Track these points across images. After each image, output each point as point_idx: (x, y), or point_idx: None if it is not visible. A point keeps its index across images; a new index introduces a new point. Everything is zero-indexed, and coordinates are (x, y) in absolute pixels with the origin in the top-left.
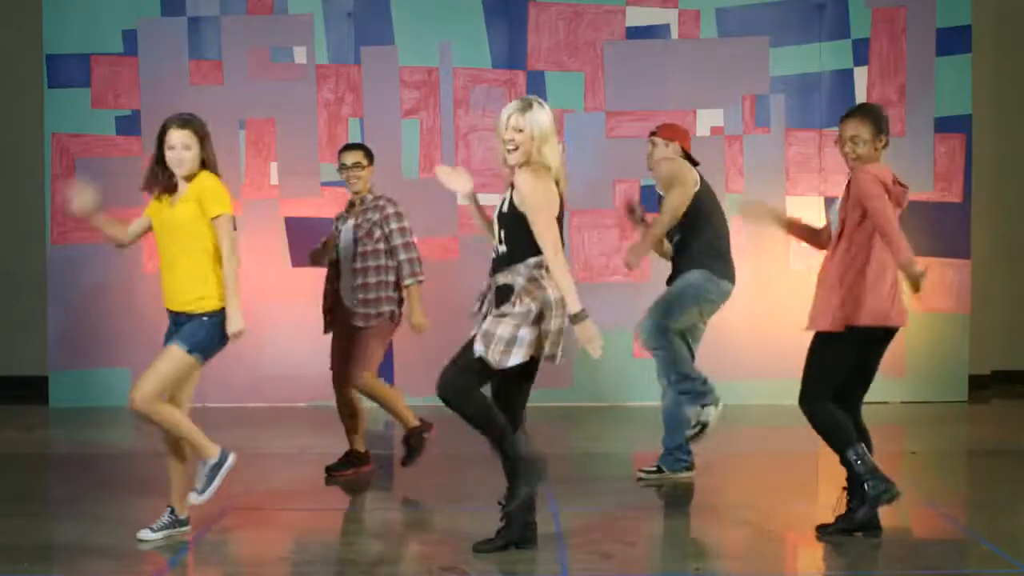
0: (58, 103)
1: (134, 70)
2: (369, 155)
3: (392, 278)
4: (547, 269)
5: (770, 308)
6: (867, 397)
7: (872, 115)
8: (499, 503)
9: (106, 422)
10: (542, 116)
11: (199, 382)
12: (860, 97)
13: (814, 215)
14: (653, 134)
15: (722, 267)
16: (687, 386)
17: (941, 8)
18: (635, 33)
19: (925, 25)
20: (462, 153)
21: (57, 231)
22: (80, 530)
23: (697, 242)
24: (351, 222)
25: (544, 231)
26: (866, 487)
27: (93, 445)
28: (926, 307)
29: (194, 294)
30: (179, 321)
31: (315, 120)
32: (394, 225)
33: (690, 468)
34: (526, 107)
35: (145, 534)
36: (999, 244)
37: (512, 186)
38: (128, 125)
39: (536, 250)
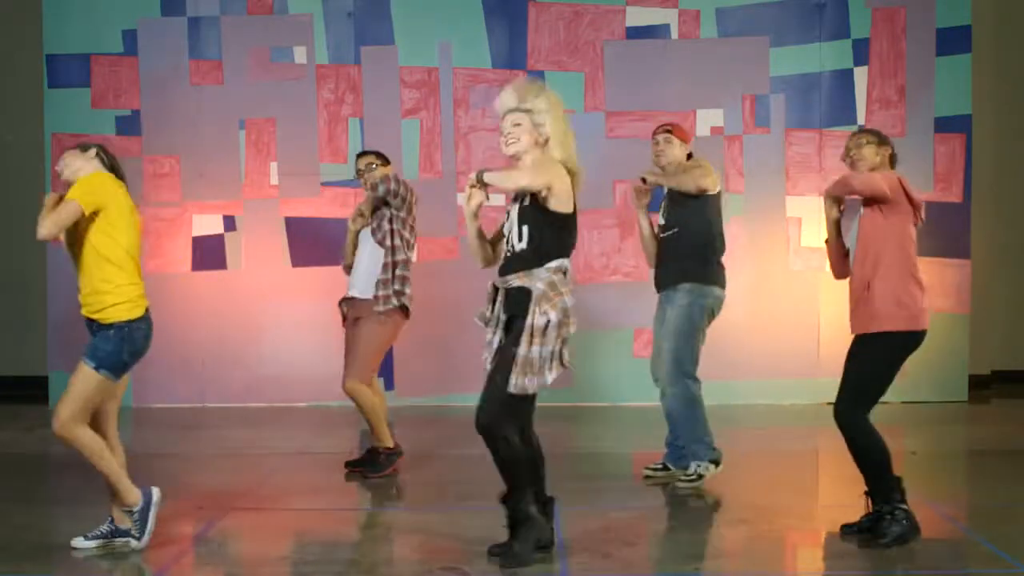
0: (58, 103)
1: (134, 70)
2: (381, 156)
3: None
4: (565, 273)
5: (770, 308)
6: None
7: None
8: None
9: None
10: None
11: (198, 382)
12: (860, 97)
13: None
14: (668, 131)
15: (713, 275)
16: (700, 449)
17: (941, 8)
18: (635, 33)
19: (925, 25)
20: (462, 153)
21: None
22: (80, 530)
23: (693, 248)
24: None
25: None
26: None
27: None
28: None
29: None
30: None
31: (315, 120)
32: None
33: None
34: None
35: (78, 542)
36: (999, 244)
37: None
38: (128, 125)
39: (560, 251)
